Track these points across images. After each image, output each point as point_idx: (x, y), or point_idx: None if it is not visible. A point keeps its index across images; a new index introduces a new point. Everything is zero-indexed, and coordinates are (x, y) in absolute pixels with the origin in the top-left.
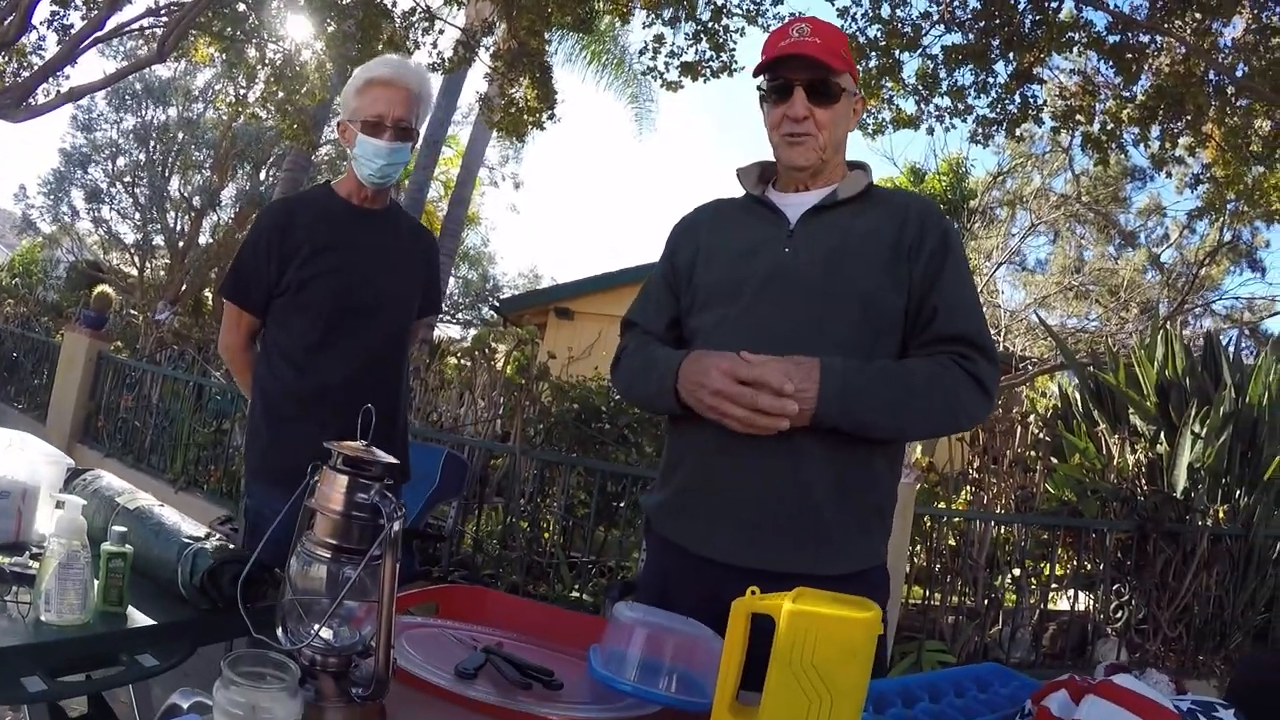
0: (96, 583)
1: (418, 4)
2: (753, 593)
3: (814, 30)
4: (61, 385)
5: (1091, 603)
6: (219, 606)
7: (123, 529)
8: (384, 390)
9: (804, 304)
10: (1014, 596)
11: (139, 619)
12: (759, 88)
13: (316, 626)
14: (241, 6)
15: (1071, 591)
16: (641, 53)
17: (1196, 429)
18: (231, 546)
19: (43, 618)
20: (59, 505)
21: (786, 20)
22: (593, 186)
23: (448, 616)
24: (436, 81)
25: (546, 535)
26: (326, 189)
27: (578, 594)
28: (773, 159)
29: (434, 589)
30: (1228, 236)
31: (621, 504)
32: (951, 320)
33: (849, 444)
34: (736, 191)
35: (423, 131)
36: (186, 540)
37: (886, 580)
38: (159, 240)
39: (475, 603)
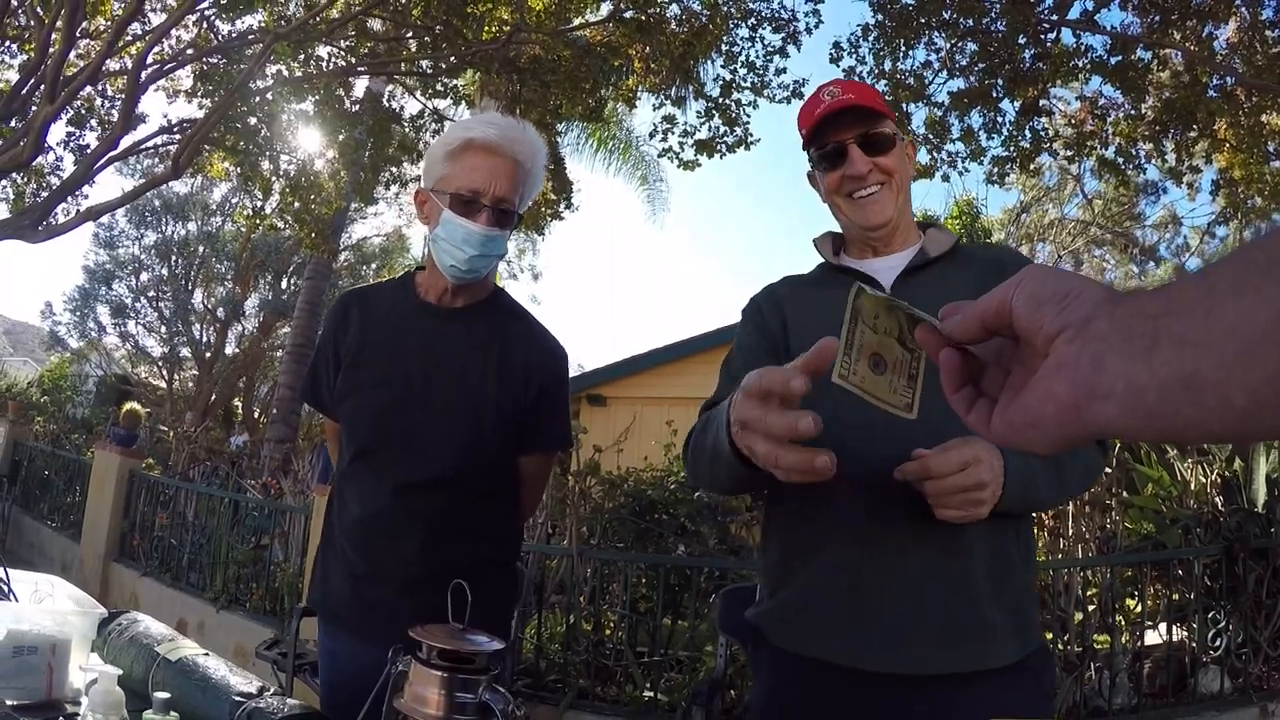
0: None
1: (425, 105)
2: None
3: (845, 89)
4: (94, 504)
5: (1186, 635)
6: None
7: (165, 695)
8: (435, 552)
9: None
10: (1106, 639)
11: None
12: (810, 162)
13: None
14: (253, 120)
15: (1164, 626)
16: (652, 135)
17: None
18: (289, 700)
19: None
20: (90, 670)
21: (815, 90)
22: (611, 271)
23: None
24: None
25: (610, 634)
26: (405, 278)
27: (651, 693)
28: (838, 230)
29: None
30: (1249, 236)
31: (687, 594)
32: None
33: (998, 522)
34: (767, 266)
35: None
36: (238, 698)
37: (1050, 662)
38: (185, 352)
39: None
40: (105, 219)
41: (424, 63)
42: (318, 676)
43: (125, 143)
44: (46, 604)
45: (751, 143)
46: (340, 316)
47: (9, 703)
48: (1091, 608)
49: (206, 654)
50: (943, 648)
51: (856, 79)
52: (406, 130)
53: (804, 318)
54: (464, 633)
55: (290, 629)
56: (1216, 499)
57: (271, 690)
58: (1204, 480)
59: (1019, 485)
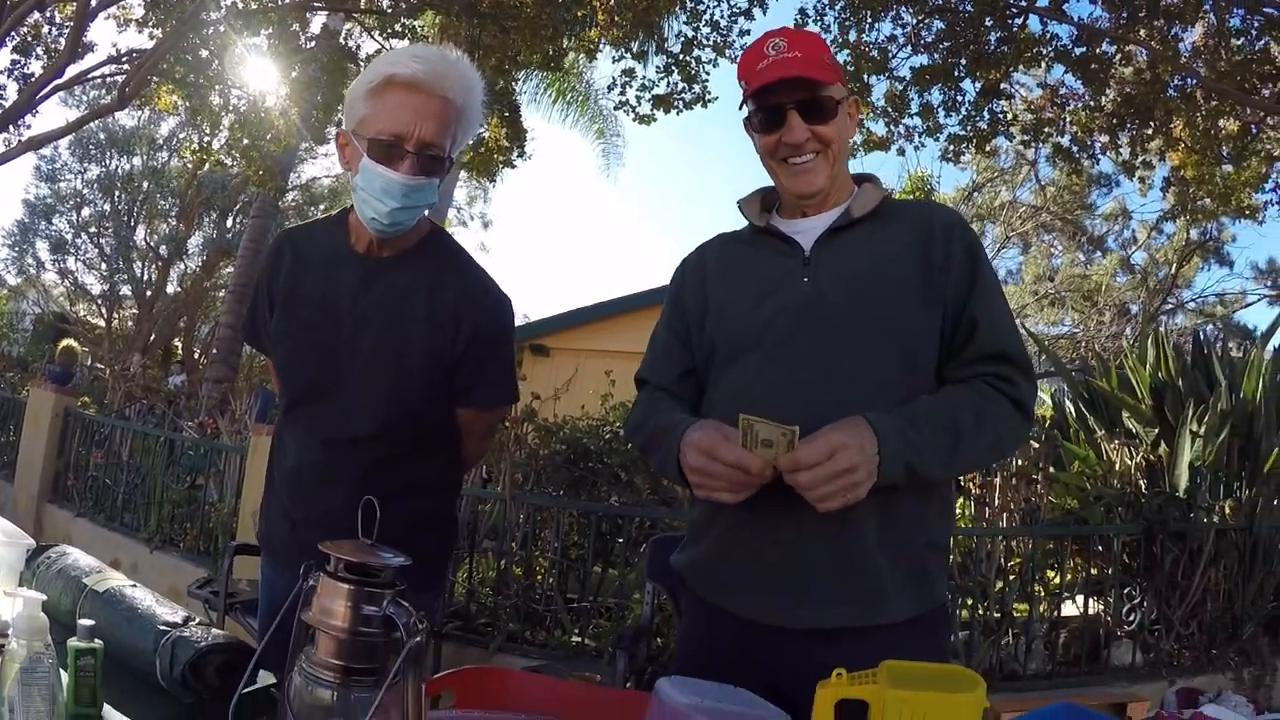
0: (65, 682)
1: (383, 46)
2: (838, 674)
3: (791, 43)
4: (28, 443)
5: (1102, 608)
6: (204, 698)
7: (90, 622)
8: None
9: (833, 339)
10: (1025, 608)
11: (117, 719)
12: (746, 118)
13: None
14: (204, 53)
15: (1081, 598)
16: (610, 88)
17: (1195, 428)
18: (214, 630)
19: None
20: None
21: (760, 39)
22: (562, 223)
23: (467, 705)
24: None
25: (541, 579)
26: (340, 218)
27: (579, 638)
28: (771, 184)
29: (447, 675)
30: (1197, 235)
31: (618, 543)
32: (994, 336)
33: (886, 498)
34: (715, 222)
35: (456, 158)
36: (164, 627)
37: (946, 621)
38: (126, 290)
39: (495, 686)
40: (47, 151)
41: (383, 1)
42: (249, 615)
43: (71, 71)
44: None
45: (709, 100)
46: (275, 256)
47: None
48: (1012, 577)
49: (134, 585)
50: (833, 605)
51: None
52: (362, 69)
53: (728, 279)
54: (372, 548)
55: (222, 568)
56: (1140, 481)
57: (197, 620)
58: (1129, 462)
59: (898, 463)
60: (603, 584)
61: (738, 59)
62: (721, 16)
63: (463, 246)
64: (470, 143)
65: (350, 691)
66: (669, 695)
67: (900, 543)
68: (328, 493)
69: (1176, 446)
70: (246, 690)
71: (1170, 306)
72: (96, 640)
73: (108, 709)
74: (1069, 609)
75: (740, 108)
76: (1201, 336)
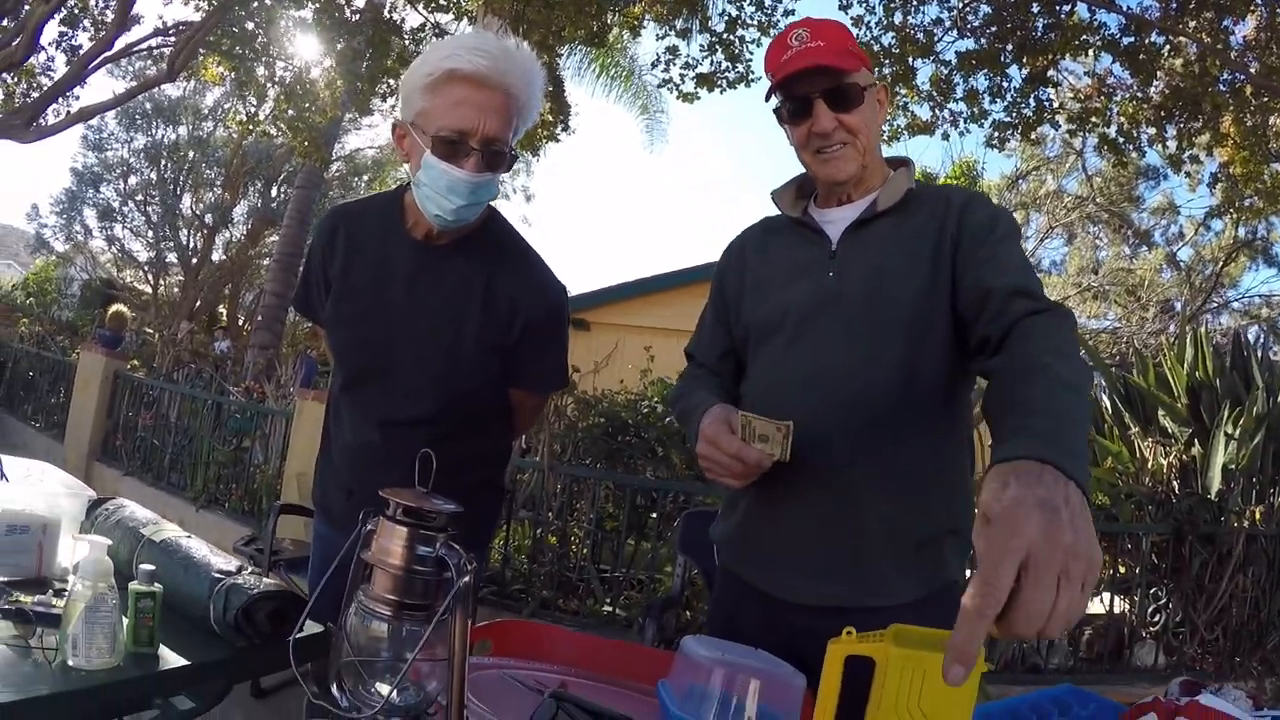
0: (125, 623)
1: (426, 19)
2: (848, 633)
3: (814, 33)
4: (79, 404)
5: (1127, 607)
6: (254, 643)
7: (150, 567)
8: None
9: (851, 331)
10: None
11: (172, 659)
12: (776, 110)
13: (384, 688)
14: (250, 25)
15: (1107, 596)
16: (654, 65)
17: (1229, 430)
18: (265, 579)
19: (70, 662)
20: (81, 541)
21: (783, 31)
22: (604, 198)
23: (502, 654)
24: None
25: (576, 549)
26: (394, 198)
27: (610, 608)
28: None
29: (487, 626)
30: (1244, 234)
31: (653, 516)
32: (1005, 279)
33: (902, 472)
34: (757, 200)
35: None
36: (218, 575)
37: (952, 600)
38: (172, 257)
39: (529, 638)
40: (95, 121)
41: None
42: (292, 572)
43: (119, 44)
44: (38, 487)
45: (752, 80)
46: (329, 235)
47: (1, 579)
48: None
49: (189, 536)
50: (838, 584)
51: (865, 28)
52: (406, 43)
53: (762, 266)
54: (427, 495)
55: (267, 527)
56: (1173, 481)
57: (249, 570)
58: (1162, 461)
59: (1077, 460)
60: (636, 556)
61: None
62: None
63: (519, 233)
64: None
65: (402, 625)
66: (692, 650)
67: (905, 526)
68: (384, 469)
69: (1210, 448)
70: (300, 635)
71: (1215, 305)
72: (156, 584)
73: (163, 649)
74: (1094, 606)
75: (767, 100)
76: (1242, 338)
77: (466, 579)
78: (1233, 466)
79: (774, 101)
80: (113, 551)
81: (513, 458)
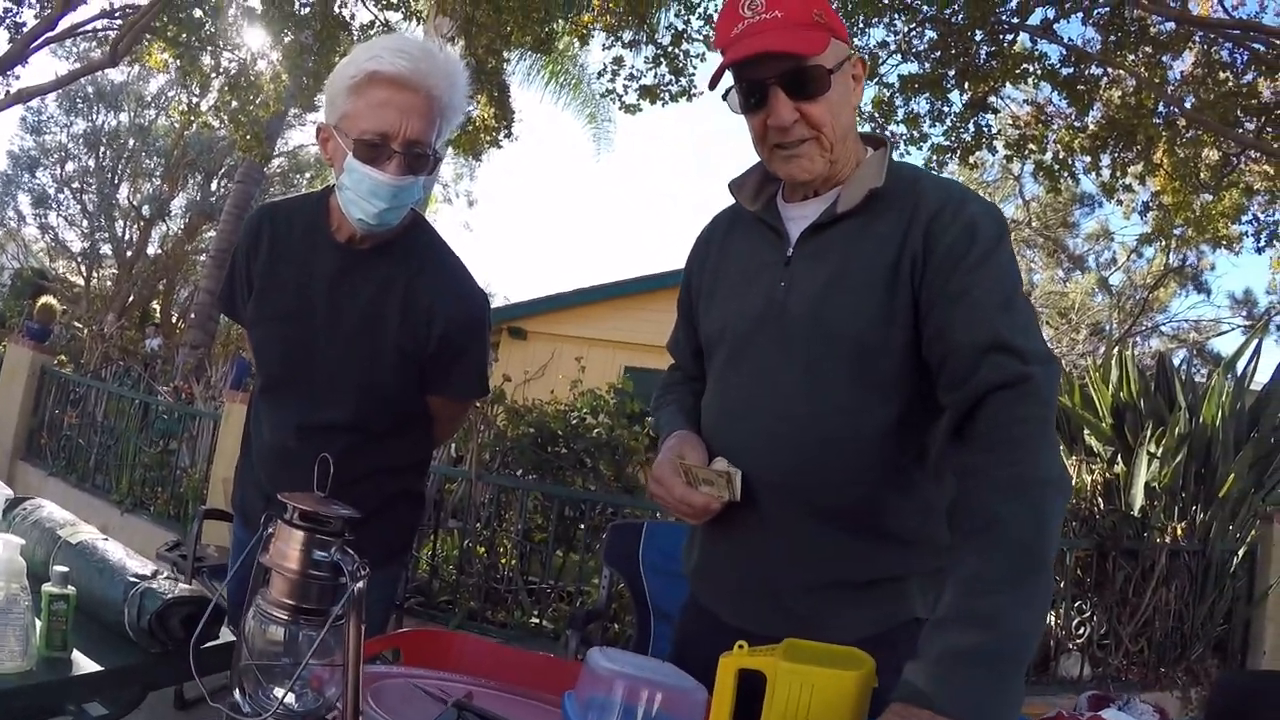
0: (38, 625)
1: (376, 18)
2: (740, 646)
3: (770, 1)
4: (3, 399)
5: (1053, 619)
6: (168, 649)
7: (64, 568)
8: (339, 488)
9: (796, 352)
10: None
11: (85, 664)
12: (724, 95)
13: (280, 692)
14: (198, 12)
15: None
16: (600, 74)
17: (1152, 449)
18: (180, 583)
19: None
20: None
21: None
22: (549, 205)
23: (413, 663)
24: None
25: (504, 560)
26: (321, 199)
27: (537, 620)
28: None
29: (395, 635)
30: (1175, 261)
31: (580, 528)
32: (973, 327)
33: (847, 515)
34: (705, 212)
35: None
36: (133, 579)
37: (914, 637)
38: (106, 249)
39: (439, 647)
40: (35, 103)
41: None
42: (215, 579)
43: (64, 24)
44: None
45: (695, 94)
46: (254, 233)
47: None
48: None
49: (106, 539)
50: (779, 617)
51: None
52: (355, 39)
53: (722, 263)
54: (325, 500)
55: (191, 532)
56: (1097, 498)
57: (165, 574)
58: (1086, 479)
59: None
60: (564, 567)
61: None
62: (714, 10)
63: (443, 240)
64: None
65: (299, 630)
66: (596, 661)
67: (851, 567)
68: (301, 472)
69: (1134, 466)
70: (210, 643)
71: (1144, 328)
72: (69, 587)
73: (76, 654)
74: None
75: (712, 86)
76: (1167, 360)
77: (360, 584)
78: (1155, 484)
79: (724, 83)
80: (28, 552)
81: (441, 467)
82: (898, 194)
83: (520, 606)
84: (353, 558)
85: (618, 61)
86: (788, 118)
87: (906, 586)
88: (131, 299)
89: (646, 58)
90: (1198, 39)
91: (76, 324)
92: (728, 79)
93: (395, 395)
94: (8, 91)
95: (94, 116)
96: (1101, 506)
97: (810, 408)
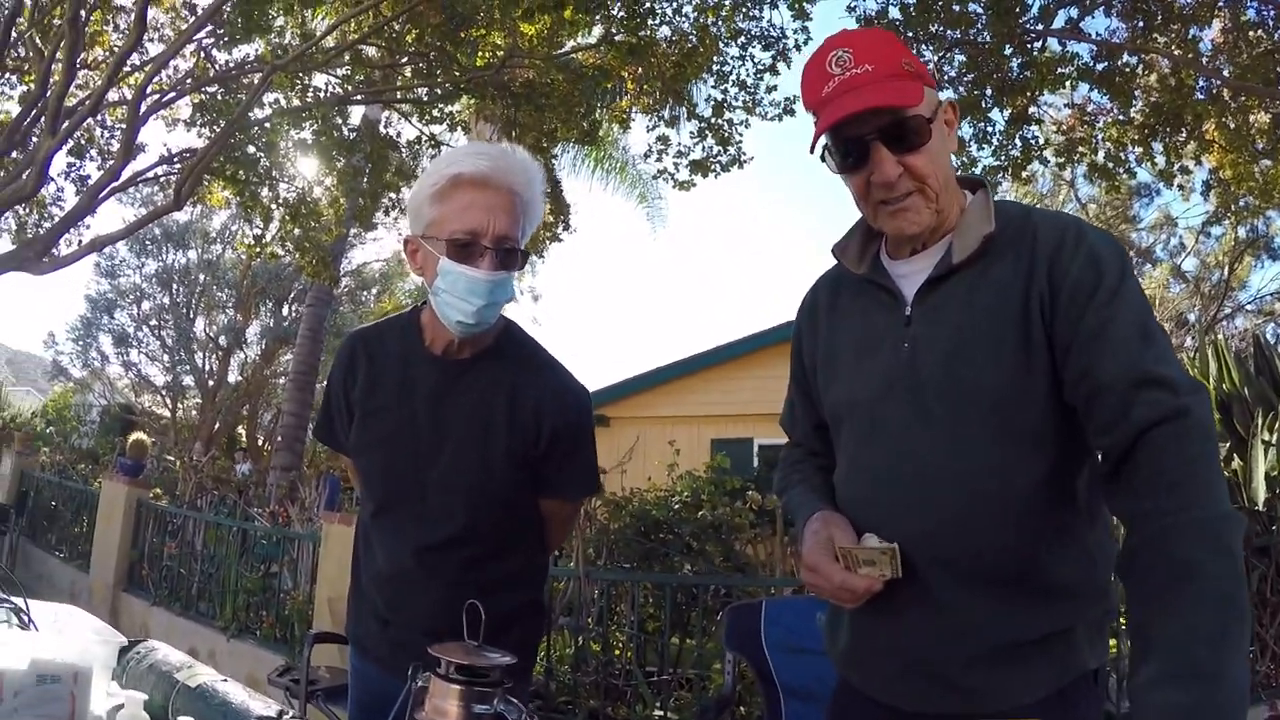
0: None
1: (421, 131)
2: None
3: (857, 53)
4: (103, 534)
5: None
6: None
7: (189, 718)
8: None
9: (932, 414)
10: (1114, 644)
11: None
12: (822, 156)
13: None
14: (252, 149)
15: None
16: (647, 155)
17: (1267, 437)
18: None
19: None
20: (116, 696)
21: (818, 50)
22: (613, 290)
23: None
24: None
25: (619, 654)
26: (410, 318)
27: (661, 712)
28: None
29: None
30: (1245, 234)
31: (694, 612)
32: (1117, 364)
33: (1006, 575)
34: (764, 275)
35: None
36: None
37: (1092, 685)
38: (188, 380)
39: None
40: (107, 249)
41: (420, 89)
42: (329, 702)
43: (126, 173)
44: (67, 633)
45: (745, 161)
46: (349, 360)
47: None
48: None
49: (225, 680)
50: (944, 691)
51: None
52: (404, 155)
53: (835, 331)
54: (478, 649)
55: (302, 656)
56: None
57: (290, 714)
58: None
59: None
60: (681, 655)
61: (768, 115)
62: (747, 75)
63: (537, 341)
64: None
65: None
66: None
67: (1016, 628)
68: (421, 595)
69: (1250, 459)
70: None
71: (1229, 310)
72: None
73: None
74: None
75: (813, 150)
76: (1262, 340)
77: None
78: (1276, 473)
79: (820, 145)
80: (148, 704)
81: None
82: (1010, 235)
83: (642, 699)
84: (516, 706)
85: (663, 140)
86: (893, 173)
87: (1075, 638)
88: (217, 427)
89: (691, 132)
90: (1223, 4)
91: (169, 456)
92: (821, 144)
93: (509, 504)
94: (80, 241)
95: (164, 256)
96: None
97: (956, 469)
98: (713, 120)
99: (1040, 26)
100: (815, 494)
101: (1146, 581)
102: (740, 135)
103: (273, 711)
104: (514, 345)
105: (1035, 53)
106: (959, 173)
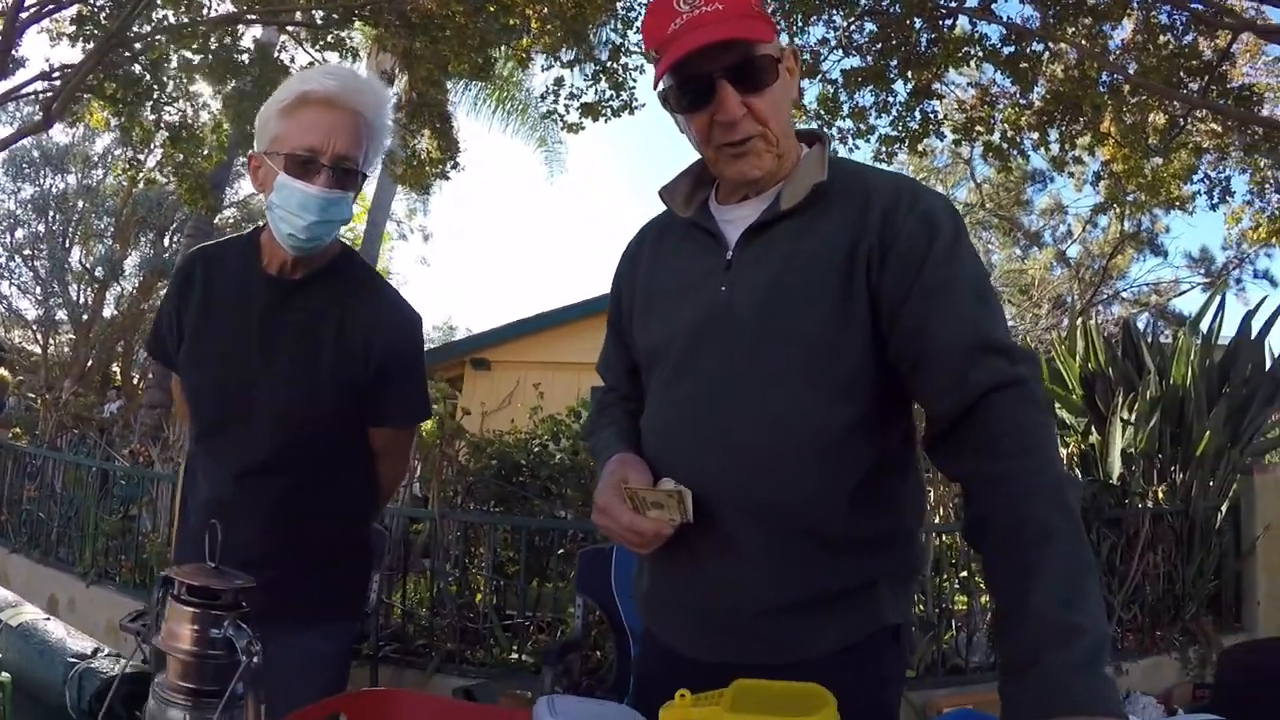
0: None
1: (315, 59)
2: (682, 695)
3: None
4: None
5: None
6: None
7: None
8: (279, 534)
9: (744, 358)
10: (965, 600)
11: None
12: (662, 93)
13: None
14: (135, 68)
15: None
16: (543, 96)
17: (1125, 415)
18: (122, 661)
19: None
20: None
21: None
22: (506, 233)
23: None
24: None
25: (478, 598)
26: (251, 238)
27: (517, 655)
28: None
29: (336, 700)
30: (1130, 227)
31: (553, 556)
32: (956, 330)
33: (805, 528)
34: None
35: (374, 175)
36: (72, 659)
37: (893, 642)
38: (62, 315)
39: (386, 709)
40: None
41: (315, 12)
42: None
43: (2, 88)
44: None
45: (636, 107)
46: (185, 278)
47: None
48: (953, 572)
49: (48, 619)
50: (740, 641)
51: None
52: None
53: (655, 274)
54: (216, 571)
55: (153, 600)
56: (1074, 470)
57: (106, 652)
58: (1062, 452)
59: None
60: (539, 599)
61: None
62: None
63: (373, 269)
64: (390, 157)
65: (200, 713)
66: (539, 714)
67: (813, 582)
68: (242, 523)
69: (1108, 435)
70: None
71: (1105, 296)
72: (4, 674)
73: None
74: None
75: (656, 85)
76: (1132, 326)
77: (256, 660)
78: (1131, 450)
79: (662, 85)
80: None
81: (405, 508)
82: (843, 188)
83: (499, 643)
84: (245, 632)
85: (559, 82)
86: (737, 111)
87: (878, 592)
88: (91, 363)
89: (586, 76)
90: (1136, 4)
91: (30, 394)
92: (663, 83)
93: (334, 426)
94: None
95: (41, 180)
96: (1079, 478)
97: (761, 413)
98: (608, 64)
99: (954, 4)
100: (620, 438)
101: (1007, 545)
102: (635, 81)
103: (88, 649)
104: (349, 269)
105: (945, 30)
106: (818, 129)
